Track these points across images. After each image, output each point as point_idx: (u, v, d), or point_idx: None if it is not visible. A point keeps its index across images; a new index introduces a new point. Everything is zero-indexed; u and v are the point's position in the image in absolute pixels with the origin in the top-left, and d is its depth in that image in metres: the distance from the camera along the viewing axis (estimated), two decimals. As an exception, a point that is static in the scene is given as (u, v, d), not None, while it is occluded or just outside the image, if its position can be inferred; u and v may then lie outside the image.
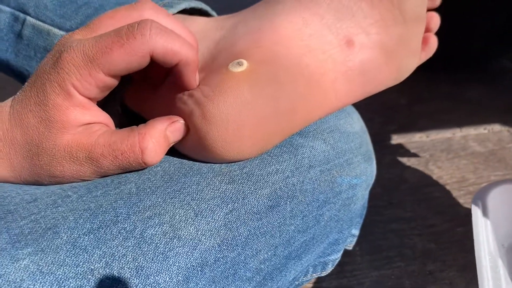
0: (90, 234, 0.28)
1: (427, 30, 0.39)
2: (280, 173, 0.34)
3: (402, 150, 0.67)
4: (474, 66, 0.82)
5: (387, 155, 0.66)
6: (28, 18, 0.43)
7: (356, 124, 0.41)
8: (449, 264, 0.50)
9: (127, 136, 0.29)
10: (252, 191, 0.33)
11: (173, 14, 0.40)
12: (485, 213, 0.44)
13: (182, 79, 0.31)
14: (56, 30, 0.42)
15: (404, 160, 0.65)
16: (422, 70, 0.76)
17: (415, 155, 0.65)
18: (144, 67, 0.30)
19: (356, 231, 0.45)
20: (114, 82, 0.30)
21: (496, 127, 0.70)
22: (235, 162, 0.33)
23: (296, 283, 0.40)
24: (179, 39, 0.29)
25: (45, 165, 0.30)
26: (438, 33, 0.61)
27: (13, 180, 0.30)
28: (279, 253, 0.34)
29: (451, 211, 0.56)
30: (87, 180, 0.31)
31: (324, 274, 0.42)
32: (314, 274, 0.41)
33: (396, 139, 0.69)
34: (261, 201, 0.33)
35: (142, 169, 0.31)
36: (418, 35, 0.38)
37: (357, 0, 0.35)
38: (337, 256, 0.42)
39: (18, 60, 0.44)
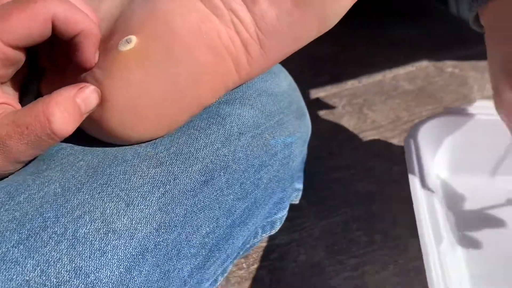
0: (19, 245, 0.27)
1: None
2: (209, 147, 0.33)
3: (335, 99, 0.67)
4: (396, 7, 0.83)
5: (322, 107, 0.66)
6: None
7: (283, 83, 0.41)
8: (391, 202, 0.52)
9: (31, 108, 0.27)
10: (183, 170, 0.32)
11: None
12: (417, 148, 0.45)
13: (81, 54, 0.29)
14: None
15: (339, 109, 0.66)
16: (345, 17, 0.75)
17: (349, 102, 0.66)
18: (50, 51, 0.28)
19: (299, 185, 0.45)
20: (17, 56, 0.28)
21: (423, 63, 0.72)
22: (147, 141, 0.33)
23: (247, 246, 0.40)
24: (80, 10, 0.28)
25: None
26: None
27: None
28: (222, 224, 0.34)
29: (387, 152, 0.57)
30: (1, 170, 0.29)
31: (273, 232, 0.43)
32: (264, 234, 0.42)
33: (329, 90, 0.70)
34: (193, 178, 0.32)
35: (54, 143, 0.29)
36: None
37: None
38: (283, 213, 0.42)
39: None
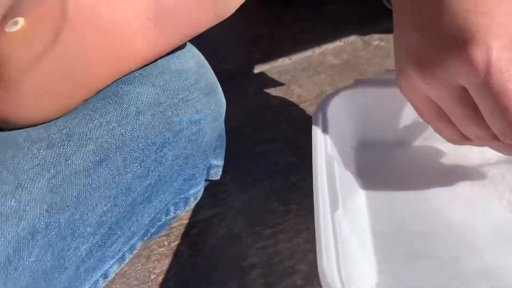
0: None
1: None
2: (104, 126, 0.34)
3: (265, 76, 0.69)
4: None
5: (252, 84, 0.68)
6: None
7: (190, 61, 0.41)
8: (308, 173, 0.54)
9: None
10: (75, 150, 0.33)
11: None
12: (324, 121, 0.47)
13: None
14: None
15: (268, 85, 0.67)
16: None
17: (278, 79, 0.68)
18: None
19: (218, 162, 0.46)
20: None
21: (351, 38, 0.74)
22: (40, 124, 0.33)
23: (159, 223, 0.41)
24: None
25: None
26: None
27: None
28: (121, 203, 0.35)
29: (309, 126, 0.59)
30: None
31: (188, 208, 0.44)
32: (178, 211, 0.43)
33: (260, 67, 0.71)
34: (86, 159, 0.33)
35: None
36: None
37: None
38: (197, 189, 0.43)
39: None
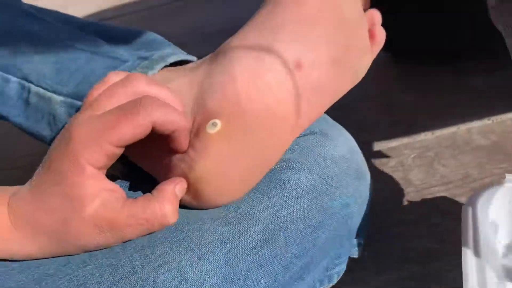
0: (113, 285, 0.34)
1: (372, 25, 0.42)
2: (270, 209, 0.39)
3: (407, 151, 0.69)
4: (476, 54, 0.82)
5: (393, 158, 0.69)
6: (32, 86, 0.49)
7: (342, 147, 0.44)
8: (454, 263, 0.53)
9: (147, 206, 0.34)
10: (247, 229, 0.37)
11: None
12: (475, 218, 0.46)
13: (175, 143, 0.36)
14: (55, 96, 0.48)
15: (409, 161, 0.67)
16: (425, 64, 0.76)
17: (420, 155, 0.68)
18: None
19: (361, 240, 0.48)
20: (121, 151, 0.35)
21: (501, 116, 0.71)
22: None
23: None
24: (174, 110, 0.35)
25: (71, 239, 0.35)
26: (435, 27, 0.64)
27: (41, 256, 0.36)
28: (280, 279, 0.39)
29: (454, 210, 0.58)
30: (102, 247, 0.36)
31: (331, 285, 0.46)
32: (322, 287, 0.45)
33: (401, 140, 0.71)
34: (255, 237, 0.37)
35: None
36: (363, 33, 0.42)
37: (296, 23, 0.38)
38: (341, 268, 0.46)
39: (29, 124, 0.50)
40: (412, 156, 0.68)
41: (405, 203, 0.61)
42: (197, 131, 0.37)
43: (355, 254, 0.48)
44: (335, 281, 0.46)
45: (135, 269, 0.34)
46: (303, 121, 0.40)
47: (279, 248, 0.38)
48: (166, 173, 0.38)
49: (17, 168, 0.84)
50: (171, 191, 0.35)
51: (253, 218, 0.38)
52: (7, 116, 0.51)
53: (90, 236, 0.34)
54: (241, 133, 0.37)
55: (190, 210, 0.38)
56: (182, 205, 0.38)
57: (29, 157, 0.85)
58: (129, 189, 0.41)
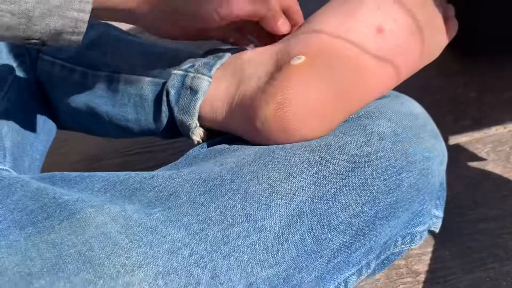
0: (204, 194, 0.35)
1: (446, 18, 0.46)
2: (354, 143, 0.40)
3: (479, 145, 0.66)
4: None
5: (465, 153, 0.66)
6: (123, 75, 0.52)
7: (418, 109, 0.46)
8: (545, 260, 0.50)
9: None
10: (332, 157, 0.39)
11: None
12: None
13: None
14: (144, 78, 0.51)
15: (484, 155, 0.64)
16: (488, 60, 0.75)
17: (493, 149, 0.65)
18: None
19: (439, 212, 0.47)
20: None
21: None
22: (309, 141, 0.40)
23: (388, 252, 0.44)
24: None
25: None
26: (498, 19, 0.64)
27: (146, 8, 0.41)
28: (367, 211, 0.39)
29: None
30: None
31: (413, 246, 0.45)
32: (404, 246, 0.45)
33: (472, 135, 0.68)
34: (341, 164, 0.38)
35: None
36: (439, 14, 0.45)
37: None
38: (423, 228, 0.45)
39: (114, 110, 0.53)
40: (485, 150, 0.65)
41: (485, 198, 0.58)
42: (281, 67, 0.41)
43: (434, 226, 0.47)
44: (417, 242, 0.45)
45: (225, 181, 0.36)
46: (382, 81, 0.43)
47: (365, 178, 0.39)
48: (253, 110, 0.40)
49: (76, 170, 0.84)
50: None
51: (337, 149, 0.39)
52: (95, 106, 0.53)
53: None
54: (324, 69, 0.40)
55: (271, 146, 0.40)
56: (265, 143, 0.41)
57: (86, 161, 0.85)
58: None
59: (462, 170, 0.63)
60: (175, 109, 0.46)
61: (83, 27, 0.37)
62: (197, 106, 0.44)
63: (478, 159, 0.64)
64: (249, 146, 0.41)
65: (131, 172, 0.38)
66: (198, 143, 0.46)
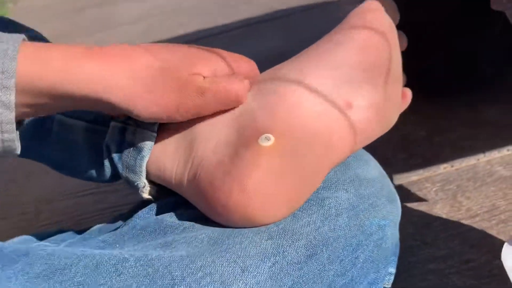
0: None
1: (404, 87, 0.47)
2: (311, 224, 0.38)
3: (428, 184, 0.68)
4: (488, 86, 0.82)
5: (414, 192, 0.67)
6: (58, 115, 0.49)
7: (374, 170, 0.46)
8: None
9: (229, 78, 0.39)
10: (290, 244, 0.37)
11: None
12: None
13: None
14: (78, 122, 0.48)
15: (432, 195, 0.66)
16: (438, 98, 0.77)
17: (442, 188, 0.66)
18: None
19: (392, 269, 0.47)
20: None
21: (520, 147, 0.71)
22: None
23: None
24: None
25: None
26: (446, 59, 0.66)
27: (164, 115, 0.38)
28: None
29: (486, 243, 0.56)
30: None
31: None
32: None
33: (421, 174, 0.70)
34: (299, 252, 0.37)
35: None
36: (399, 91, 0.46)
37: (353, 68, 0.42)
38: None
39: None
40: (434, 189, 0.67)
41: (433, 238, 0.59)
42: (247, 144, 0.38)
43: (387, 283, 0.46)
44: None
45: (175, 280, 0.33)
46: (344, 152, 0.42)
47: (322, 265, 0.38)
48: (213, 191, 0.38)
49: (24, 213, 0.82)
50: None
51: (295, 233, 0.37)
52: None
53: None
54: (292, 151, 0.38)
55: (227, 227, 0.38)
56: (218, 225, 0.38)
57: (36, 202, 0.83)
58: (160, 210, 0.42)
59: (411, 210, 0.64)
60: (119, 166, 0.43)
61: (14, 146, 0.34)
62: (143, 165, 0.41)
63: (427, 198, 0.65)
64: (203, 226, 0.39)
65: (75, 249, 0.35)
66: (148, 199, 0.44)
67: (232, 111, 0.41)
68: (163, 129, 0.42)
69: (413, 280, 0.55)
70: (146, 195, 0.44)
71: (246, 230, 0.37)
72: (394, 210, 0.45)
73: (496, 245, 0.56)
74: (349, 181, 0.42)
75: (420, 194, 0.66)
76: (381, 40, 0.43)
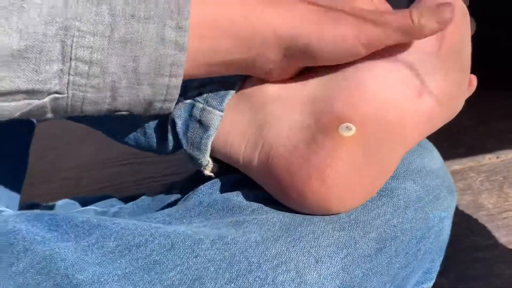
0: (231, 283, 0.32)
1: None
2: (382, 216, 0.38)
3: (473, 174, 0.67)
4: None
5: (459, 181, 0.67)
6: None
7: (438, 160, 0.45)
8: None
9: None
10: (362, 236, 0.36)
11: None
12: None
13: None
14: None
15: (477, 184, 0.65)
16: (483, 89, 0.76)
17: (487, 178, 0.66)
18: None
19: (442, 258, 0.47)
20: None
21: None
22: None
23: None
24: None
25: None
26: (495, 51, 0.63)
27: None
28: None
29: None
30: None
31: None
32: None
33: (466, 163, 0.70)
34: (370, 245, 0.36)
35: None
36: (467, 78, 0.44)
37: (428, 54, 0.39)
38: (429, 284, 0.45)
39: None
40: (479, 179, 0.66)
41: (480, 227, 0.59)
42: (325, 131, 0.36)
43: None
44: None
45: (252, 267, 0.33)
46: (413, 141, 0.40)
47: (389, 258, 0.37)
48: (290, 177, 0.37)
49: (65, 179, 0.83)
50: None
51: (366, 225, 0.37)
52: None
53: None
54: (371, 142, 0.36)
55: (298, 214, 0.37)
56: (288, 209, 0.38)
57: (76, 169, 0.83)
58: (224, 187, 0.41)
59: (457, 198, 0.63)
60: (183, 142, 0.42)
61: (175, 94, 0.34)
62: (209, 143, 0.41)
63: (473, 188, 0.65)
64: (271, 209, 0.38)
65: (145, 224, 0.35)
66: (209, 176, 0.43)
67: (303, 90, 0.39)
68: (232, 108, 0.41)
69: (459, 268, 0.55)
70: (208, 172, 0.43)
71: (317, 218, 0.37)
72: (452, 202, 0.45)
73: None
74: (417, 171, 0.42)
75: (464, 183, 0.66)
76: (455, 27, 0.42)
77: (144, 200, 0.49)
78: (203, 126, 0.41)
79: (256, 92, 0.40)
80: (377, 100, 0.37)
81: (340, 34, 0.35)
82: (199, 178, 0.45)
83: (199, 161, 0.42)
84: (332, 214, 0.37)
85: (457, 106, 0.44)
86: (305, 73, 0.40)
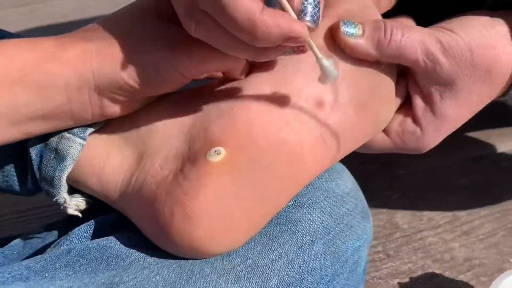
0: None
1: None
2: (284, 258, 0.34)
3: (388, 191, 0.66)
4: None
5: (373, 199, 0.64)
6: None
7: (348, 182, 0.41)
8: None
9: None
10: (260, 285, 0.32)
11: None
12: None
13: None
14: None
15: (393, 201, 0.64)
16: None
17: (403, 195, 0.64)
18: None
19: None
20: None
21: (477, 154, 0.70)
22: (227, 252, 0.33)
23: None
24: None
25: None
26: None
27: None
28: None
29: (449, 258, 0.55)
30: None
31: None
32: None
33: (379, 178, 0.68)
34: None
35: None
36: (390, 82, 0.39)
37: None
38: None
39: None
40: (395, 197, 0.64)
41: (396, 251, 0.57)
42: (194, 159, 0.31)
43: None
44: None
45: None
46: (319, 163, 0.36)
47: None
48: (153, 214, 0.32)
49: None
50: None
51: (265, 271, 0.32)
52: None
53: None
54: (249, 167, 0.32)
55: (185, 264, 0.32)
56: (174, 257, 0.32)
57: None
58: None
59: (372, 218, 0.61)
60: (37, 176, 0.36)
61: None
62: (63, 177, 0.35)
63: (387, 205, 0.63)
64: (155, 259, 0.32)
65: None
66: (77, 216, 0.37)
67: (186, 119, 0.35)
68: (108, 141, 0.36)
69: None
70: (71, 210, 0.37)
71: (207, 269, 0.32)
72: (367, 228, 0.41)
73: (458, 259, 0.55)
74: (323, 197, 0.38)
75: (380, 201, 0.64)
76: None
77: (13, 247, 0.41)
78: (59, 156, 0.34)
79: (134, 122, 0.35)
80: (261, 119, 0.33)
81: (149, 63, 0.31)
82: (79, 218, 0.39)
83: (55, 200, 0.36)
84: (215, 257, 0.32)
85: (382, 115, 0.39)
86: (188, 97, 0.36)
